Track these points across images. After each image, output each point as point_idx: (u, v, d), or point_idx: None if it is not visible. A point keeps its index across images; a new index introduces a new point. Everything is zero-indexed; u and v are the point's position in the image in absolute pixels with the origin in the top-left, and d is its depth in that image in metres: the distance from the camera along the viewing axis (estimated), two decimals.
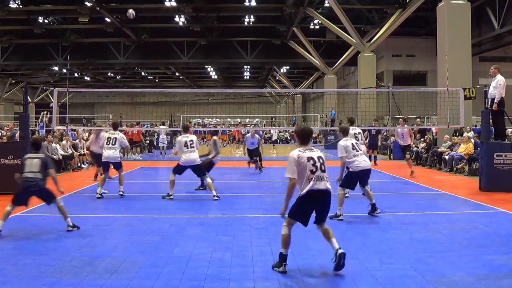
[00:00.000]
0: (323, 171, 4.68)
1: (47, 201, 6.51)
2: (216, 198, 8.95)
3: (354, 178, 7.28)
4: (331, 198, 4.78)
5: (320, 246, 5.61)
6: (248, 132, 15.32)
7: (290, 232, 4.77)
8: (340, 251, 4.60)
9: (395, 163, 16.97)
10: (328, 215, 5.03)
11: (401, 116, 18.63)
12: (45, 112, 25.13)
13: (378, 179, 11.43)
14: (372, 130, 16.68)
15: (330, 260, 4.81)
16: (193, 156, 9.21)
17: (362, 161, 7.28)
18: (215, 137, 10.98)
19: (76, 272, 4.66)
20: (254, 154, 13.82)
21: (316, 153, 4.75)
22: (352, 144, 7.31)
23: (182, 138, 9.36)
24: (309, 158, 4.65)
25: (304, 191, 4.63)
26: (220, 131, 27.97)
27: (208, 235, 6.20)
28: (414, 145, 14.84)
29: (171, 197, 9.00)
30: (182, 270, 4.71)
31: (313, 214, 4.80)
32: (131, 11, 8.12)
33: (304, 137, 4.84)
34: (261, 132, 15.78)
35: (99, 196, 9.07)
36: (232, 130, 29.78)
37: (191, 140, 9.27)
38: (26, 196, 6.44)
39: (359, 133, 9.66)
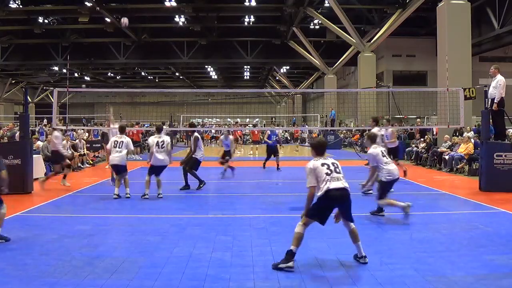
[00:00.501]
0: (338, 172, 4.92)
1: None
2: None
3: (388, 187, 7.13)
4: (350, 196, 4.94)
5: (320, 246, 5.62)
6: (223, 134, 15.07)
7: (304, 231, 4.89)
8: (363, 260, 4.90)
9: (395, 163, 16.94)
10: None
11: (400, 115, 18.65)
12: (46, 121, 25.26)
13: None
14: None
15: (330, 260, 4.83)
16: (161, 157, 9.26)
17: (393, 169, 7.11)
18: (196, 134, 10.90)
19: (76, 272, 4.65)
20: (227, 155, 13.61)
21: (330, 160, 5.01)
22: (382, 151, 7.12)
23: (154, 138, 9.44)
24: (323, 164, 4.92)
25: (322, 191, 4.82)
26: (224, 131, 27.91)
27: (208, 235, 6.20)
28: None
29: (146, 196, 9.06)
30: (182, 270, 4.70)
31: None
32: (124, 20, 8.07)
33: (319, 149, 5.09)
34: (277, 132, 15.72)
35: (116, 196, 9.13)
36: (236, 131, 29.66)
37: (163, 141, 9.33)
38: None
39: (383, 134, 9.56)
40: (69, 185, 11.11)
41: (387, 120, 14.98)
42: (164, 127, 15.91)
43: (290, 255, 4.77)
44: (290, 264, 4.74)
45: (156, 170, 9.37)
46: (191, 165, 10.48)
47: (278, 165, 14.40)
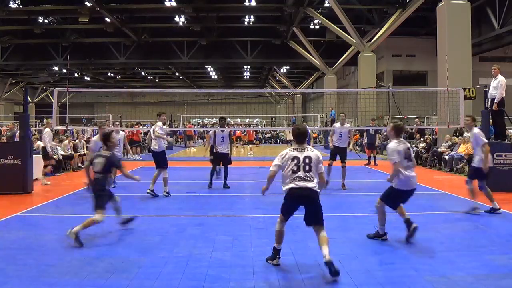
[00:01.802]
0: (307, 171, 4.75)
1: None
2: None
3: (398, 197, 5.87)
4: (316, 198, 4.82)
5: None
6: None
7: (282, 228, 4.96)
8: (327, 258, 4.51)
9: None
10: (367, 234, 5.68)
11: (400, 115, 18.59)
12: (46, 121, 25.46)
13: (378, 179, 11.43)
14: (370, 130, 16.69)
15: (330, 257, 4.83)
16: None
17: (411, 176, 5.75)
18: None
19: (76, 272, 4.65)
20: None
21: (306, 153, 4.79)
22: (406, 149, 5.78)
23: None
24: (294, 158, 4.78)
25: (285, 188, 4.88)
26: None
27: (208, 235, 6.20)
28: (351, 149, 11.67)
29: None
30: (182, 270, 4.70)
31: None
32: None
33: (297, 136, 4.91)
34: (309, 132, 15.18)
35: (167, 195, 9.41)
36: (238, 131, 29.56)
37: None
38: None
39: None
40: (49, 183, 11.31)
41: (345, 115, 13.31)
42: (164, 127, 15.93)
43: (274, 252, 4.91)
44: (275, 262, 4.87)
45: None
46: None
47: None
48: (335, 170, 10.48)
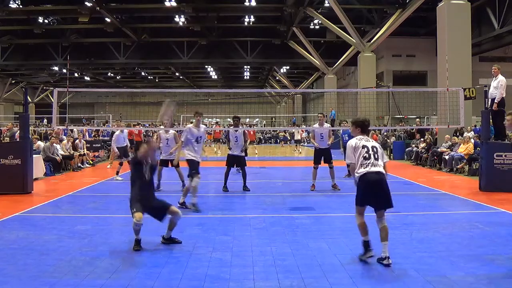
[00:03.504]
0: (376, 159, 4.92)
1: None
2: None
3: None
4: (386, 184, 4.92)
5: (320, 246, 5.62)
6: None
7: (363, 219, 4.99)
8: (386, 262, 4.73)
9: (395, 163, 16.97)
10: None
11: (401, 115, 18.62)
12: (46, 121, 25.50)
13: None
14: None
15: (330, 260, 4.82)
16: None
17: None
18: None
19: (76, 272, 4.65)
20: None
21: (370, 143, 5.02)
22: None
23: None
24: (364, 146, 4.95)
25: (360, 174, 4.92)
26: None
27: (208, 235, 6.20)
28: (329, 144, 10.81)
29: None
30: (182, 270, 4.70)
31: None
32: None
33: (363, 127, 5.15)
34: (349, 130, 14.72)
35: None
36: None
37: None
38: None
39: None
40: (121, 179, 11.68)
41: (323, 115, 12.38)
42: (162, 126, 15.94)
43: (364, 245, 4.92)
44: (369, 254, 4.86)
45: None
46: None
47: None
48: (324, 170, 10.48)
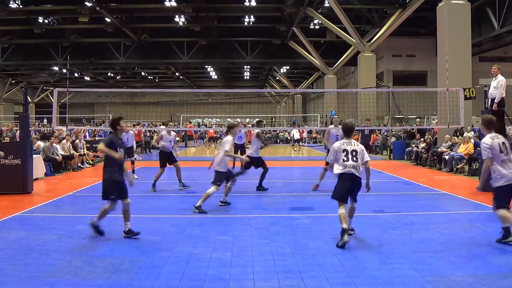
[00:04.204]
0: (355, 161, 5.76)
1: None
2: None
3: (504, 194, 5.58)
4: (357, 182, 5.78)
5: (320, 246, 5.62)
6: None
7: (343, 210, 5.69)
8: (350, 232, 5.84)
9: (395, 163, 16.97)
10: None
11: (401, 115, 18.60)
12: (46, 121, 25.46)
13: (378, 179, 11.43)
14: (366, 130, 16.68)
15: (330, 260, 4.82)
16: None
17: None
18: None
19: (76, 272, 4.65)
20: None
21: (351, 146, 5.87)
22: (500, 144, 5.67)
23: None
24: (344, 150, 5.83)
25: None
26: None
27: (208, 235, 6.20)
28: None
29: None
30: (182, 270, 4.70)
31: None
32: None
33: (346, 132, 6.07)
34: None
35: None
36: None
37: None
38: None
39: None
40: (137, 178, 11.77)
41: (337, 117, 12.63)
42: (162, 126, 15.99)
43: (341, 232, 5.57)
44: (345, 239, 5.50)
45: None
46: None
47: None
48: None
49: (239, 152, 13.39)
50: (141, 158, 19.51)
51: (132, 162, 12.59)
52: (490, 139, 5.74)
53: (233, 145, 10.69)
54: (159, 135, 11.07)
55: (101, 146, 5.98)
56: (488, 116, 6.58)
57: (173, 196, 9.50)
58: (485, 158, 5.70)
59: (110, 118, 7.25)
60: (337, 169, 5.80)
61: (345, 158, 5.74)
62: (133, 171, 12.35)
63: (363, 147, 5.94)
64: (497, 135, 5.89)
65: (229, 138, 8.39)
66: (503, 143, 5.75)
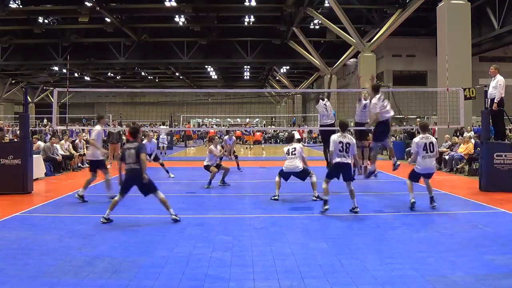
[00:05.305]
0: (347, 152, 7.55)
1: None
2: None
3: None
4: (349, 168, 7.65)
5: (320, 246, 5.62)
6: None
7: (327, 185, 7.61)
8: (355, 210, 7.55)
9: None
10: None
11: (401, 116, 18.52)
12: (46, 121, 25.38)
13: (378, 179, 11.41)
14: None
15: (330, 260, 4.82)
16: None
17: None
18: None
19: (76, 272, 4.66)
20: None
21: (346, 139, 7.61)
22: (426, 144, 7.91)
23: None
24: (340, 142, 7.55)
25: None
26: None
27: (208, 235, 6.20)
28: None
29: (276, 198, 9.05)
30: (182, 270, 4.70)
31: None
32: None
33: (341, 127, 7.81)
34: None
35: None
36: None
37: (294, 148, 9.19)
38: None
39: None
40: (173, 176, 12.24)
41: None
42: (164, 126, 16.00)
43: (324, 202, 7.56)
44: (325, 207, 7.51)
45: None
46: None
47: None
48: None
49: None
50: None
51: (162, 164, 12.82)
52: (419, 139, 8.03)
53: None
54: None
55: (143, 156, 6.89)
56: (423, 121, 9.43)
57: (173, 196, 9.49)
58: (412, 151, 8.20)
59: (131, 125, 7.72)
60: (335, 158, 7.58)
61: (341, 149, 7.50)
62: (167, 171, 12.61)
63: (354, 141, 7.71)
64: (428, 136, 8.08)
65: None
66: (430, 143, 7.95)
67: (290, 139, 9.34)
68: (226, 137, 15.04)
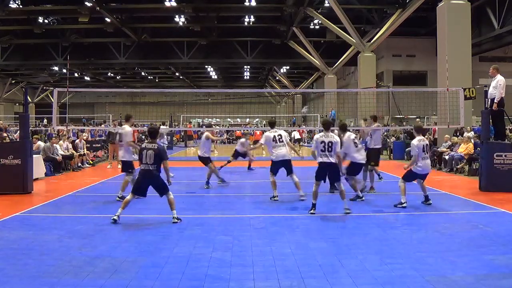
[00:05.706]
0: (330, 151, 7.44)
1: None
2: None
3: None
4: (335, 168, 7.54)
5: (320, 246, 5.62)
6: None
7: (317, 189, 7.56)
8: (347, 211, 7.47)
9: (395, 163, 16.94)
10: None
11: (401, 115, 18.55)
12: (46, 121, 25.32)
13: (378, 179, 11.42)
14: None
15: (330, 260, 4.82)
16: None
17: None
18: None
19: (76, 272, 4.66)
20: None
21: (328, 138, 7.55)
22: (423, 145, 8.13)
23: (270, 134, 8.99)
24: (322, 142, 7.48)
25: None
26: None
27: (208, 235, 6.20)
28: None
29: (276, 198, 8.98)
30: (182, 270, 4.70)
31: None
32: None
33: (324, 126, 7.74)
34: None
35: None
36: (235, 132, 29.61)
37: (280, 135, 9.00)
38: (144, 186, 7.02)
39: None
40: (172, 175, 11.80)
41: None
42: (164, 126, 16.01)
43: (312, 206, 7.53)
44: (312, 211, 7.50)
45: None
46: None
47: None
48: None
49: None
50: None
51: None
52: (417, 141, 8.08)
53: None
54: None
55: (167, 164, 7.10)
56: (417, 123, 9.84)
57: (173, 196, 9.48)
58: (413, 154, 8.18)
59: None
60: (318, 158, 7.60)
61: (323, 149, 7.44)
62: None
63: (338, 140, 7.63)
64: (423, 138, 8.26)
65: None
66: (426, 144, 8.20)
67: (272, 124, 9.26)
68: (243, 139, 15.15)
